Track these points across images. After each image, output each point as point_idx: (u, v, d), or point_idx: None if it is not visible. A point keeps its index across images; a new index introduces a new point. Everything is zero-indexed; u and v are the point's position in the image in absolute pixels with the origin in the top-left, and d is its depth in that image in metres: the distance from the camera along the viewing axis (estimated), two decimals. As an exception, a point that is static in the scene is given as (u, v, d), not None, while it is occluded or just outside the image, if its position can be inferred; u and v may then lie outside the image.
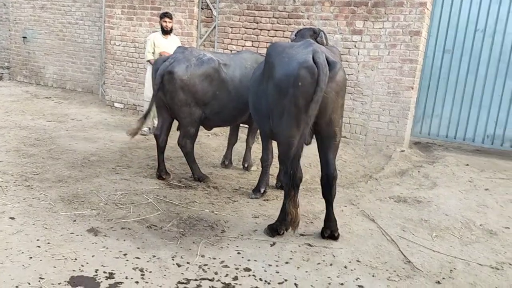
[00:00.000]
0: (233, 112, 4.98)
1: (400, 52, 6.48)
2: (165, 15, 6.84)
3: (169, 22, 6.81)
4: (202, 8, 8.03)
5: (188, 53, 4.76)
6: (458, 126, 6.82)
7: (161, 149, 4.97)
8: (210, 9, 7.92)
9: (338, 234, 3.65)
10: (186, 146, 4.91)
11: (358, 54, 6.77)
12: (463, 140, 6.86)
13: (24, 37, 11.15)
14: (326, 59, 3.41)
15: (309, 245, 3.51)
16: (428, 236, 3.83)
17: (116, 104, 9.00)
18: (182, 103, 4.68)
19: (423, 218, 4.18)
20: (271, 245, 3.47)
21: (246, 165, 5.62)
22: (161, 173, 4.95)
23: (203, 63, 4.70)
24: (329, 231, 3.64)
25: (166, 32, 6.82)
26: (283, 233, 3.64)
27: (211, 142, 6.89)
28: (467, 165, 5.90)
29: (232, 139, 5.68)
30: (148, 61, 6.85)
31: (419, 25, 6.32)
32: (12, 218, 3.55)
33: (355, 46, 6.78)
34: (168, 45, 6.62)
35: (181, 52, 4.81)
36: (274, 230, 3.64)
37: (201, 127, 5.07)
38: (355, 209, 4.40)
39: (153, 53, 6.78)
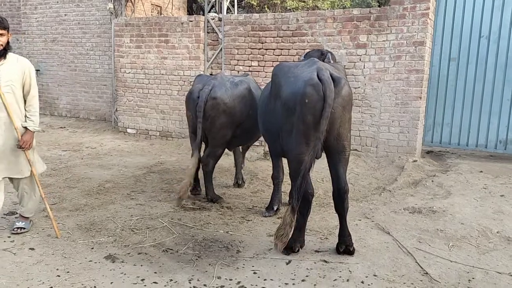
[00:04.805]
0: (257, 129, 5.15)
1: (406, 63, 6.52)
2: None
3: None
4: (208, 32, 8.20)
5: (220, 79, 4.99)
6: (470, 133, 6.79)
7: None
8: (216, 33, 8.08)
9: (354, 249, 3.64)
10: (209, 165, 5.01)
11: (364, 67, 6.83)
12: (475, 147, 6.82)
13: (37, 70, 11.46)
14: (331, 76, 3.48)
15: (325, 261, 3.51)
16: (445, 246, 3.80)
17: (129, 130, 9.16)
18: (223, 126, 4.87)
19: (439, 228, 4.15)
20: (287, 263, 3.48)
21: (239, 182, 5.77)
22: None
23: (237, 85, 4.95)
24: (344, 246, 3.64)
25: None
26: (298, 251, 3.65)
27: (223, 162, 6.93)
28: (481, 172, 5.86)
29: (239, 158, 5.78)
30: None
31: (422, 36, 6.37)
32: (32, 249, 3.63)
33: (360, 59, 6.85)
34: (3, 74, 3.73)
35: (212, 79, 4.99)
36: (289, 248, 3.65)
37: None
38: (370, 223, 4.39)
39: None
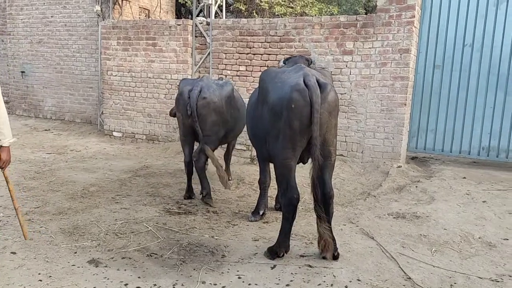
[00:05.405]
0: (238, 128, 5.57)
1: (391, 70, 6.61)
2: None
3: None
4: (196, 36, 8.20)
5: (206, 80, 5.24)
6: (454, 140, 6.90)
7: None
8: (204, 37, 8.09)
9: (338, 254, 3.66)
10: (200, 161, 5.16)
11: (350, 74, 6.90)
12: (459, 153, 6.92)
13: (22, 72, 11.31)
14: (317, 81, 3.51)
15: (310, 266, 3.52)
16: (428, 251, 3.84)
17: (114, 133, 9.09)
18: (214, 124, 5.12)
19: (422, 234, 4.20)
20: (272, 268, 3.48)
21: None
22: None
23: (223, 86, 5.29)
24: (329, 251, 3.66)
25: None
26: (283, 255, 3.66)
27: (210, 166, 6.92)
28: (464, 178, 5.95)
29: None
30: None
31: (408, 43, 6.46)
32: (14, 253, 3.57)
33: (346, 66, 6.92)
34: None
35: (199, 81, 5.20)
36: (274, 252, 3.66)
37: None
38: (354, 227, 4.42)
39: None
